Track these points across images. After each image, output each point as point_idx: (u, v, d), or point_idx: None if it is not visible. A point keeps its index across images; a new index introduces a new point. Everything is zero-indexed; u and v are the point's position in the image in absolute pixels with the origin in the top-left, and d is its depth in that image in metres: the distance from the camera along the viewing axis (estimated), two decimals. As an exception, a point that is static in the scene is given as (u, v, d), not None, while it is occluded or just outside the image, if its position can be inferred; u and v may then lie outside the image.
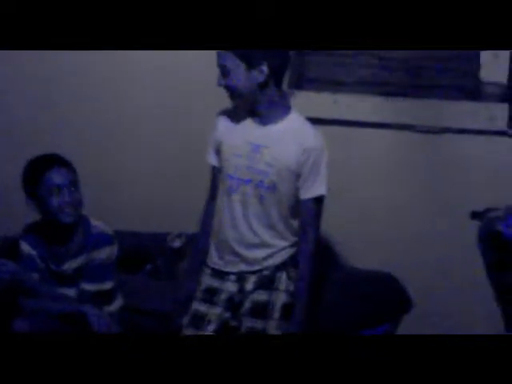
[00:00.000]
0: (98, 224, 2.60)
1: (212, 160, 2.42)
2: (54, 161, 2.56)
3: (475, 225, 2.70)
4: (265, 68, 2.27)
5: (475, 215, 2.76)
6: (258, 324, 2.31)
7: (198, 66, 2.85)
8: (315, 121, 2.44)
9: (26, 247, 2.61)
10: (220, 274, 2.38)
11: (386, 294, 2.69)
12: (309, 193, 2.30)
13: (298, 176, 2.31)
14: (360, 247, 2.99)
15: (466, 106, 2.99)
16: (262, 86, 2.29)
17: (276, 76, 2.30)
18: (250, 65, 2.27)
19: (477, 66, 3.01)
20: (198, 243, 2.44)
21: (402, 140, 3.02)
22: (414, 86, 3.08)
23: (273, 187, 2.31)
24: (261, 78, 2.27)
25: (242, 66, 2.27)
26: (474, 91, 3.03)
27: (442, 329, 2.83)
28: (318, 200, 2.31)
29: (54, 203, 2.53)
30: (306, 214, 2.32)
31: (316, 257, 2.32)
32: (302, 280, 2.32)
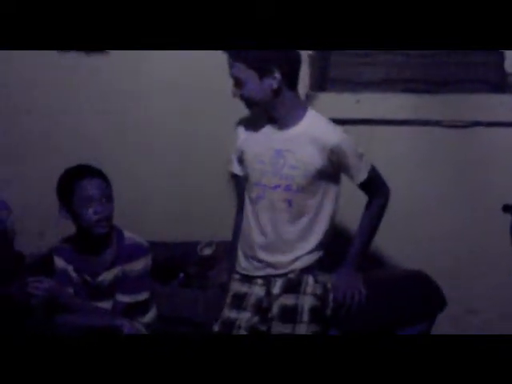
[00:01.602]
0: (131, 235, 2.61)
1: (236, 169, 2.44)
2: (86, 171, 2.57)
3: (507, 218, 2.68)
4: (277, 75, 2.28)
5: (507, 208, 2.74)
6: (287, 328, 2.32)
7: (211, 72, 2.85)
8: (339, 121, 2.44)
9: (60, 262, 2.63)
10: (248, 279, 2.40)
11: (421, 292, 2.67)
12: (360, 177, 2.35)
13: (327, 174, 2.33)
14: (392, 245, 2.97)
15: (493, 99, 2.97)
16: (277, 92, 2.30)
17: (289, 80, 2.31)
18: (263, 73, 2.28)
19: (501, 57, 2.99)
20: (232, 253, 2.46)
21: (428, 136, 3.00)
22: (438, 81, 3.06)
23: (301, 189, 2.32)
24: (274, 84, 2.29)
25: (255, 76, 2.29)
26: (499, 83, 3.01)
27: (472, 327, 2.82)
28: (370, 173, 2.36)
29: (87, 214, 2.53)
30: (367, 189, 2.38)
31: (382, 215, 2.39)
32: (363, 230, 2.38)
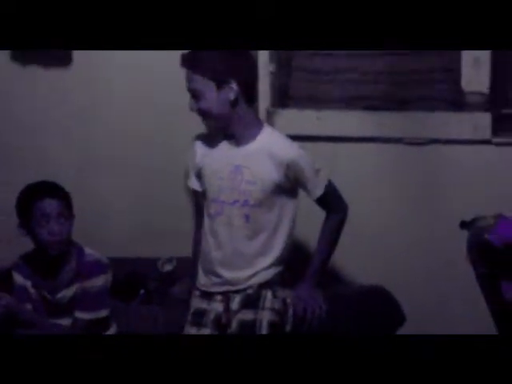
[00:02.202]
0: (91, 252, 2.61)
1: (194, 185, 2.44)
2: (44, 191, 2.56)
3: (465, 234, 2.71)
4: (234, 86, 2.29)
5: (464, 225, 2.77)
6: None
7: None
8: (300, 138, 2.47)
9: (19, 278, 2.61)
10: (207, 295, 2.40)
11: (381, 308, 2.70)
12: (317, 192, 2.36)
13: (284, 189, 2.35)
14: (352, 261, 3.00)
15: (450, 117, 3.01)
16: (233, 104, 2.31)
17: (246, 93, 2.33)
18: (220, 84, 2.29)
19: (458, 76, 3.03)
20: (193, 270, 2.46)
21: (388, 153, 3.04)
22: (396, 99, 3.10)
23: (259, 205, 2.33)
24: (232, 95, 2.30)
25: (212, 86, 2.30)
26: (456, 101, 3.05)
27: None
28: (327, 189, 2.37)
29: (42, 234, 2.53)
30: (324, 204, 2.39)
31: (340, 230, 2.40)
32: (322, 246, 2.39)
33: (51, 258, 2.56)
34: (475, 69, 3.00)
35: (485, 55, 2.98)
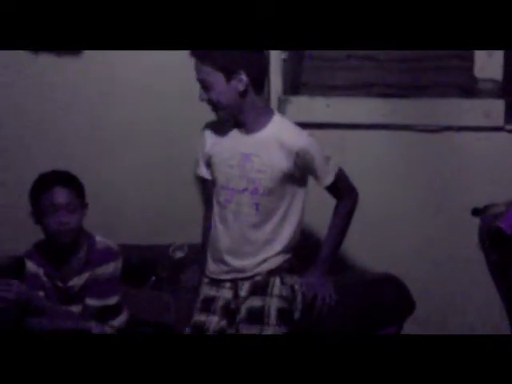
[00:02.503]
0: (102, 240, 2.62)
1: (204, 173, 2.45)
2: (55, 180, 2.57)
3: (477, 222, 2.70)
4: (244, 77, 2.29)
5: (476, 212, 2.76)
6: (255, 330, 2.32)
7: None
8: (311, 125, 2.47)
9: (31, 266, 2.62)
10: (216, 283, 2.41)
11: (390, 296, 2.69)
12: (327, 180, 2.36)
13: (293, 177, 2.35)
14: (362, 249, 3.00)
15: (463, 104, 3.00)
16: (243, 95, 2.31)
17: (255, 83, 2.32)
18: (229, 75, 2.29)
19: (471, 63, 3.02)
20: (202, 257, 2.47)
21: (399, 140, 3.03)
22: (408, 86, 3.09)
23: (268, 193, 2.34)
24: (241, 86, 2.30)
25: (222, 78, 2.30)
26: (469, 88, 3.03)
27: (443, 329, 2.84)
28: (337, 176, 2.37)
29: (50, 223, 2.54)
30: (335, 192, 2.40)
31: (351, 217, 2.40)
32: (333, 233, 2.39)
33: (62, 247, 2.57)
34: (488, 56, 2.98)
35: (498, 42, 2.96)
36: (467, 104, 2.99)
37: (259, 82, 2.35)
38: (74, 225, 2.55)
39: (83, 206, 2.59)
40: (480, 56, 2.99)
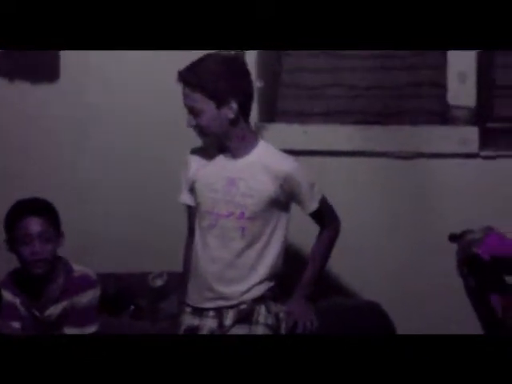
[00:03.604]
0: (79, 268, 2.60)
1: (187, 200, 2.44)
2: (29, 209, 2.54)
3: (454, 247, 2.73)
4: (234, 105, 2.30)
5: (453, 238, 2.80)
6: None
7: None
8: (288, 152, 2.47)
9: (7, 295, 2.59)
10: (199, 312, 2.39)
11: (372, 322, 2.70)
12: (311, 206, 2.38)
13: (279, 202, 2.35)
14: (342, 275, 3.01)
15: (437, 130, 3.04)
16: (233, 123, 2.32)
17: (244, 111, 2.34)
18: (220, 103, 2.29)
19: (444, 90, 3.07)
20: (183, 286, 2.45)
21: (375, 167, 3.06)
22: (383, 113, 3.13)
23: (254, 217, 2.33)
24: (231, 114, 2.31)
25: (212, 105, 2.30)
26: (443, 115, 3.08)
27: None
28: (321, 203, 2.39)
29: (23, 254, 2.52)
30: (318, 219, 2.41)
31: (333, 245, 2.42)
32: (315, 261, 2.40)
33: (36, 276, 2.54)
34: (461, 83, 3.03)
35: (471, 69, 3.02)
36: (442, 131, 3.03)
37: (248, 109, 2.36)
38: (48, 255, 2.52)
39: (58, 235, 2.57)
40: (453, 83, 3.04)
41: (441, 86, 3.09)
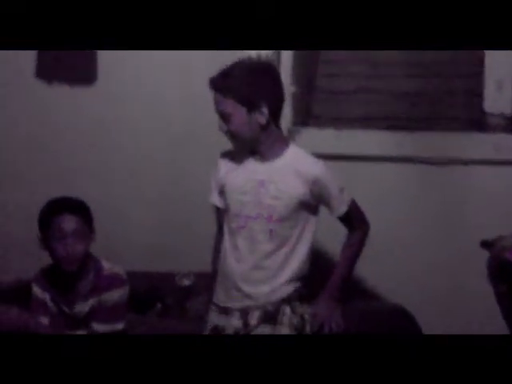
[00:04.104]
0: (109, 265, 2.62)
1: (216, 201, 2.45)
2: (63, 207, 2.57)
3: (485, 255, 2.69)
4: (265, 109, 2.31)
5: (485, 244, 2.75)
6: None
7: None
8: (320, 156, 2.47)
9: (37, 290, 2.62)
10: (225, 311, 2.39)
11: (397, 327, 2.68)
12: (340, 210, 2.38)
13: (307, 205, 2.35)
14: (370, 281, 3.00)
15: (471, 137, 3.02)
16: (264, 128, 2.33)
17: (275, 116, 2.35)
18: (251, 108, 2.31)
19: (480, 97, 3.04)
20: (211, 285, 2.45)
21: (407, 173, 3.04)
22: (417, 118, 3.11)
23: (282, 220, 2.34)
24: (262, 120, 2.32)
25: (243, 110, 2.31)
26: (478, 122, 3.06)
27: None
28: (350, 207, 2.39)
29: (56, 250, 2.55)
30: (347, 222, 2.41)
31: (361, 248, 2.41)
32: (343, 263, 2.40)
33: (68, 273, 2.57)
34: (498, 90, 3.00)
35: (508, 77, 2.99)
36: (476, 137, 3.01)
37: (278, 114, 2.37)
38: (81, 252, 2.55)
39: (91, 232, 2.59)
40: (490, 90, 3.02)
41: (477, 93, 3.06)
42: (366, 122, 3.14)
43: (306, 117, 3.21)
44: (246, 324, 2.36)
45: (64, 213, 2.55)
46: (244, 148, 2.38)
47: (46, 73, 3.17)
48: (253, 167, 2.38)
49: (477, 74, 3.06)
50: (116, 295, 2.57)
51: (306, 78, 3.21)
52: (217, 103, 2.33)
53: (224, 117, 2.33)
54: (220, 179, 2.42)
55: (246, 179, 2.37)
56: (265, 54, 2.61)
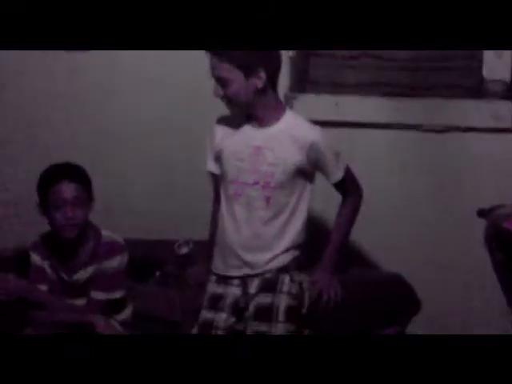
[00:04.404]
0: (108, 233, 2.61)
1: (212, 168, 2.44)
2: (63, 174, 2.55)
3: (482, 223, 2.70)
4: (262, 74, 2.29)
5: (482, 213, 2.77)
6: (263, 327, 2.32)
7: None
8: (318, 123, 2.45)
9: (36, 258, 2.62)
10: (224, 280, 2.40)
11: (395, 295, 2.70)
12: (336, 176, 2.37)
13: (304, 172, 2.35)
14: (367, 248, 3.00)
15: (470, 104, 3.00)
16: (261, 92, 2.31)
17: (272, 80, 2.33)
18: (249, 73, 2.29)
19: (479, 63, 3.02)
20: (209, 254, 2.45)
21: (406, 140, 3.03)
22: (416, 85, 3.09)
23: (280, 187, 2.33)
24: (260, 84, 2.30)
25: (241, 75, 2.29)
26: (477, 89, 3.04)
27: (447, 329, 2.84)
28: (346, 173, 2.39)
29: (55, 218, 2.53)
30: (342, 188, 2.40)
31: (356, 214, 2.41)
32: (338, 230, 2.40)
33: (67, 241, 2.56)
34: (497, 57, 2.98)
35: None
36: (475, 105, 2.99)
37: (276, 78, 2.35)
38: (80, 219, 2.54)
39: (90, 200, 2.58)
40: (489, 57, 2.99)
41: (476, 59, 3.04)
42: (364, 88, 3.12)
43: (303, 82, 3.18)
44: (245, 292, 2.37)
45: (63, 180, 2.53)
46: (241, 113, 2.36)
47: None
48: (249, 133, 2.36)
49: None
50: (115, 263, 2.57)
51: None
52: (213, 68, 2.31)
53: (221, 81, 2.30)
54: (216, 145, 2.40)
55: (242, 145, 2.36)
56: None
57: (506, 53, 2.97)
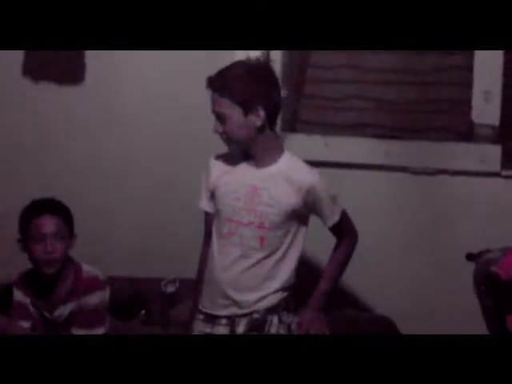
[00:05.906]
0: (89, 269, 2.60)
1: (206, 206, 2.42)
2: (43, 207, 2.56)
3: (471, 266, 2.68)
4: (261, 112, 2.29)
5: (470, 257, 2.75)
6: None
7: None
8: (308, 163, 2.45)
9: (19, 295, 2.61)
10: (212, 319, 2.37)
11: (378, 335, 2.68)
12: (333, 219, 2.37)
13: (299, 215, 2.34)
14: (357, 288, 2.99)
15: (459, 148, 3.01)
16: (260, 130, 2.31)
17: (271, 119, 2.33)
18: (247, 110, 2.29)
19: (468, 107, 3.04)
20: (196, 292, 2.43)
21: (395, 182, 3.04)
22: (405, 128, 3.10)
23: (274, 228, 2.32)
24: (258, 122, 2.30)
25: (239, 112, 2.29)
26: (466, 133, 3.05)
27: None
28: (342, 216, 2.38)
29: (35, 251, 2.52)
30: (337, 231, 2.40)
31: (349, 258, 2.41)
32: (330, 272, 2.39)
33: (47, 276, 2.55)
34: (485, 101, 3.00)
35: (496, 88, 2.99)
36: (463, 148, 3.00)
37: (275, 118, 2.35)
38: (60, 254, 2.53)
39: (71, 235, 2.58)
40: (477, 101, 3.01)
41: (465, 103, 3.06)
42: (354, 129, 3.14)
43: (294, 122, 3.19)
44: (232, 332, 2.33)
45: (44, 214, 2.54)
46: (239, 151, 2.36)
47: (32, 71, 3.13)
48: (246, 172, 2.35)
49: (466, 83, 3.06)
50: (95, 298, 2.56)
51: (294, 83, 3.19)
52: (213, 103, 2.31)
53: (220, 117, 2.30)
54: (211, 183, 2.39)
55: (239, 184, 2.34)
56: (264, 56, 2.58)
57: (495, 97, 2.99)
